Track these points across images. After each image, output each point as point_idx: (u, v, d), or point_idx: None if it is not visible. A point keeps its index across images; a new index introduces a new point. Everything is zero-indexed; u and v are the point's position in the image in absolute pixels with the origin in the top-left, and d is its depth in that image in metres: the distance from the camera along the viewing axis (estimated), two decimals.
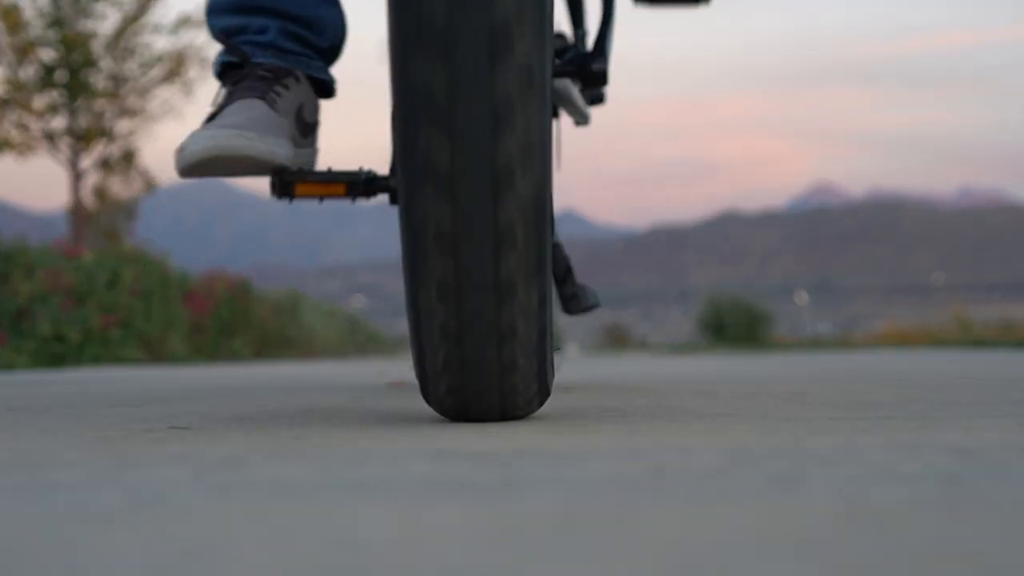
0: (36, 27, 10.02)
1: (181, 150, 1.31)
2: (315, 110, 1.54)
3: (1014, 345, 8.05)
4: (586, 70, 1.43)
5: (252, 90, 1.43)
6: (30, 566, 0.37)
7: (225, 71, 1.50)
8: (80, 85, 10.07)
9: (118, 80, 10.41)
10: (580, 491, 0.53)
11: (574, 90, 1.48)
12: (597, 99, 1.59)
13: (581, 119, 1.56)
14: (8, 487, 0.58)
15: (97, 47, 10.24)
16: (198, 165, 1.30)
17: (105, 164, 10.69)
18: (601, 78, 1.44)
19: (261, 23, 1.54)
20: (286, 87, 1.47)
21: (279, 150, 1.38)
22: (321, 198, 1.38)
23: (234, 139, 1.31)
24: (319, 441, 0.82)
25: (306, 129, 1.49)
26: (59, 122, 10.22)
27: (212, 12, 1.58)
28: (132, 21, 10.38)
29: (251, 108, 1.40)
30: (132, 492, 0.55)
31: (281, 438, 0.85)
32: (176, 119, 10.86)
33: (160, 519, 0.47)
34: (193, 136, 1.31)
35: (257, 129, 1.36)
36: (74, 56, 10.01)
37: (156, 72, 10.53)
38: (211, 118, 1.38)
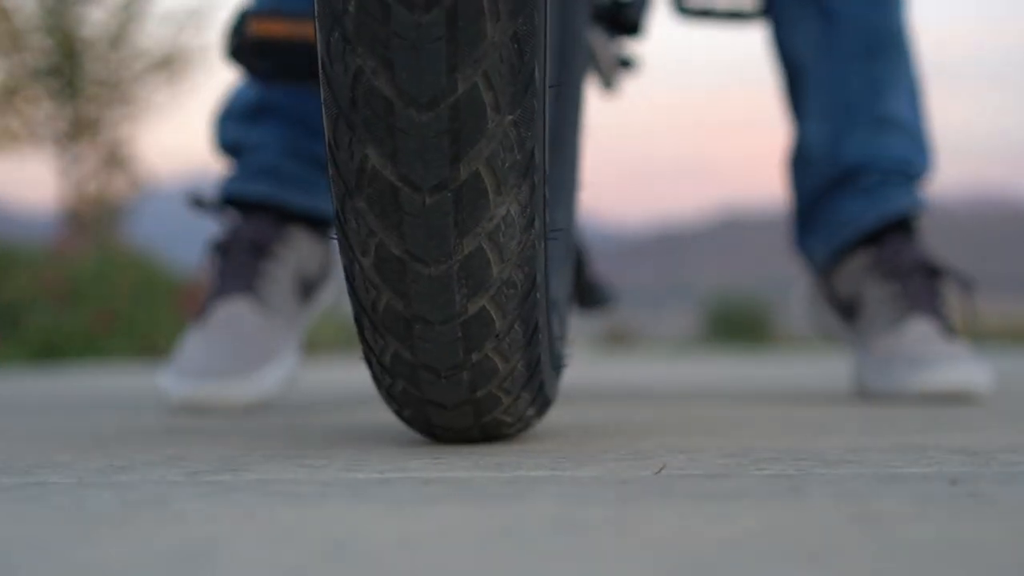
0: (29, 18, 9.83)
1: (164, 390, 1.13)
2: (319, 258, 1.22)
3: (1020, 344, 8.08)
4: (615, 15, 1.16)
5: (237, 280, 1.15)
6: (23, 569, 0.37)
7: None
8: (73, 79, 9.91)
9: (111, 70, 10.15)
10: (580, 491, 0.53)
11: (600, 43, 1.19)
12: (625, 62, 1.30)
13: (606, 82, 1.26)
14: None
15: (91, 37, 10.03)
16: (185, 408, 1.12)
17: (98, 161, 10.59)
18: (632, 27, 1.16)
19: (260, 136, 1.21)
20: (275, 258, 1.17)
21: (267, 382, 1.14)
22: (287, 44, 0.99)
23: (211, 389, 1.10)
24: (317, 441, 0.81)
25: (308, 288, 1.22)
26: (50, 116, 10.08)
27: (223, 119, 1.25)
28: (129, 5, 10.10)
29: (238, 320, 1.14)
30: (126, 494, 0.54)
31: (278, 439, 0.84)
32: (169, 115, 10.74)
33: (155, 521, 0.46)
34: (172, 374, 1.12)
35: (242, 358, 1.12)
36: (68, 47, 9.82)
37: (148, 63, 10.23)
38: (201, 311, 1.16)
